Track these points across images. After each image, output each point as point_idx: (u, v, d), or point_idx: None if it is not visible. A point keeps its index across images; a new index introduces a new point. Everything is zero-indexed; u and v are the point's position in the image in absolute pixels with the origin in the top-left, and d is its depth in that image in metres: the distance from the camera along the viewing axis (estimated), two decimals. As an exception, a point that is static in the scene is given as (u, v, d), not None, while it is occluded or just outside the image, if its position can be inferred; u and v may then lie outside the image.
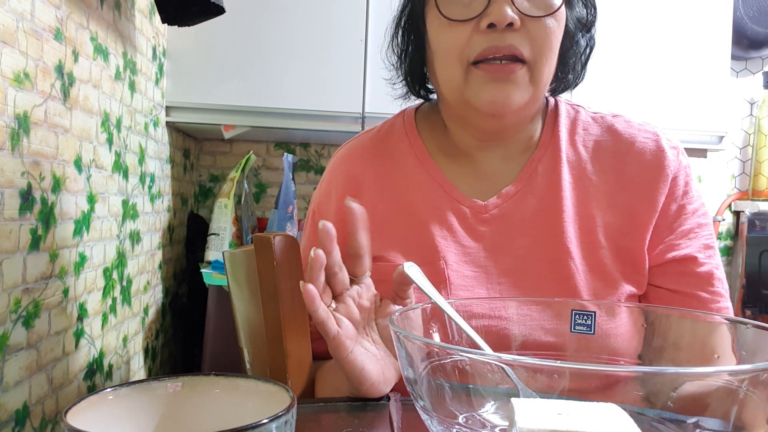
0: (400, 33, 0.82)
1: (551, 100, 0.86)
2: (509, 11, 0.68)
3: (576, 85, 0.84)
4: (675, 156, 0.80)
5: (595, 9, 0.79)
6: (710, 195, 2.50)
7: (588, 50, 0.81)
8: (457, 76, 0.73)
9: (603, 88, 1.83)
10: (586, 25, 0.79)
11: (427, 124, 0.86)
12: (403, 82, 0.85)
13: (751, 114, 2.52)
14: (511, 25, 0.69)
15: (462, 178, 0.82)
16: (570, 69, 0.80)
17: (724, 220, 2.50)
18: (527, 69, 0.71)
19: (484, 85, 0.72)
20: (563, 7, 0.72)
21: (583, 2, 0.78)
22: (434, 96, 0.87)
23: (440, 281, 0.76)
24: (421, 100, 0.89)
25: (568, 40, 0.77)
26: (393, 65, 0.85)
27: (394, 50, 0.84)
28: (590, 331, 0.63)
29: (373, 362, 0.63)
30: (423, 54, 0.79)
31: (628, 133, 0.81)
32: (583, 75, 0.83)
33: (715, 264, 0.78)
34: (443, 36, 0.73)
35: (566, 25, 0.75)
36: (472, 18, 0.70)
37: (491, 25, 0.69)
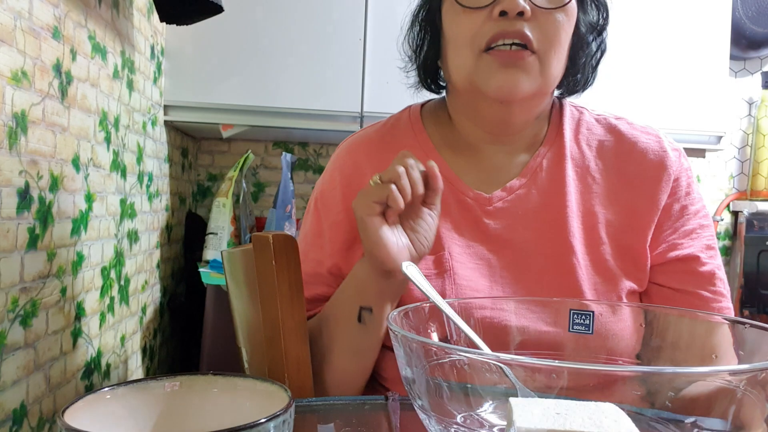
0: (417, 25, 0.84)
1: (556, 101, 0.87)
2: (521, 1, 0.71)
3: (586, 88, 0.85)
4: (677, 158, 0.81)
5: (607, 14, 0.81)
6: (709, 195, 2.50)
7: (599, 54, 0.83)
8: (468, 62, 0.75)
9: (602, 88, 1.82)
10: (598, 29, 0.81)
11: (433, 119, 0.87)
12: (416, 75, 0.87)
13: (749, 114, 2.53)
14: (522, 14, 0.71)
15: (467, 170, 0.83)
16: (579, 70, 0.82)
17: (722, 220, 2.50)
18: (536, 57, 0.73)
19: (494, 71, 0.73)
20: (574, 3, 0.74)
21: (596, 6, 0.80)
22: (443, 92, 0.89)
23: (443, 272, 0.77)
24: (425, 99, 0.91)
25: (579, 42, 0.78)
26: (408, 57, 0.87)
27: (410, 43, 0.86)
28: (588, 330, 0.63)
29: (389, 230, 0.69)
30: (438, 46, 0.81)
31: (630, 134, 0.83)
32: (594, 78, 0.85)
33: (716, 264, 0.79)
34: (457, 23, 0.75)
35: (578, 28, 0.77)
36: (486, 6, 0.73)
37: (503, 13, 0.71)
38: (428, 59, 0.84)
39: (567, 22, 0.74)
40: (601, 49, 0.83)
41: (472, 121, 0.82)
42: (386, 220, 0.69)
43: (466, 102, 0.81)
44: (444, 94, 0.89)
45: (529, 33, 0.72)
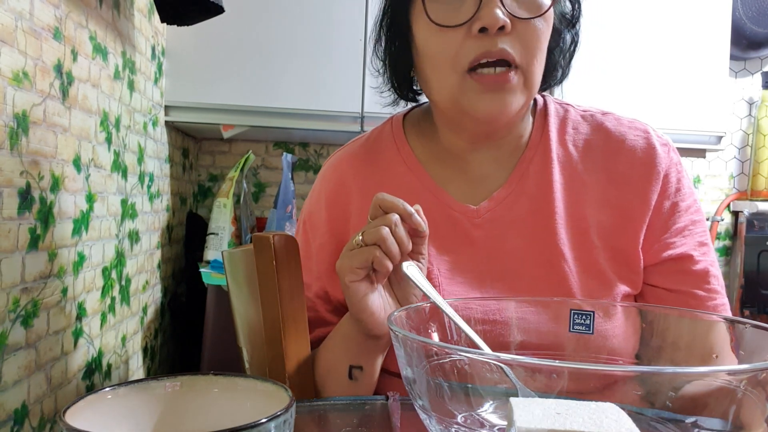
0: (383, 37, 0.80)
1: (539, 98, 0.85)
2: (500, 14, 0.68)
3: (561, 82, 0.83)
4: (666, 153, 0.79)
5: (579, 5, 0.78)
6: (709, 195, 2.50)
7: (573, 46, 0.80)
8: (451, 83, 0.72)
9: (601, 88, 1.83)
10: (571, 21, 0.78)
11: (416, 129, 0.85)
12: (390, 87, 0.84)
13: (749, 114, 2.53)
14: (502, 28, 0.68)
15: (452, 182, 0.81)
16: (556, 66, 0.80)
17: (722, 220, 2.50)
18: (520, 73, 0.71)
19: (479, 96, 0.71)
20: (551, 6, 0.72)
21: None
22: (421, 98, 0.86)
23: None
24: (410, 105, 0.88)
25: (554, 37, 0.76)
26: (378, 71, 0.83)
27: (377, 55, 0.82)
28: (589, 330, 0.63)
29: (376, 296, 0.66)
30: (409, 58, 0.78)
31: (618, 131, 0.80)
32: (568, 71, 0.82)
33: (710, 261, 0.78)
34: (434, 42, 0.72)
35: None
36: (463, 23, 0.69)
37: (483, 29, 0.69)
38: (400, 71, 0.81)
39: (546, 27, 0.72)
40: (575, 42, 0.80)
41: (455, 133, 0.80)
42: (373, 281, 0.66)
43: (449, 116, 0.78)
44: (424, 100, 0.86)
45: (511, 50, 0.69)
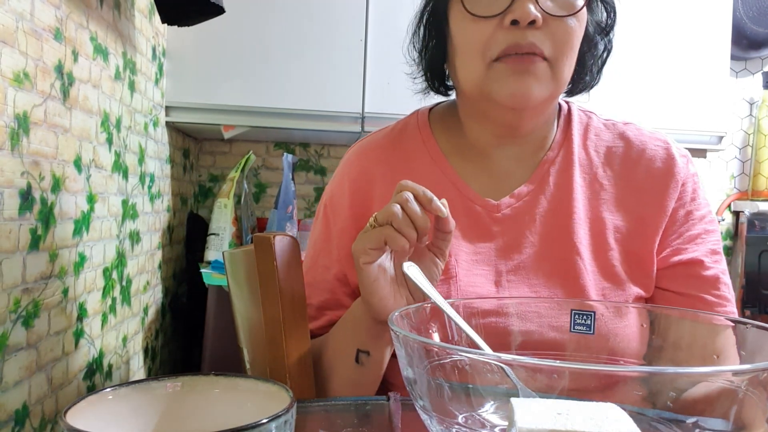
0: (422, 28, 0.83)
1: (564, 105, 0.87)
2: (532, 9, 0.70)
3: (591, 88, 0.85)
4: (684, 164, 0.81)
5: (615, 13, 0.80)
6: (710, 195, 2.50)
7: (606, 54, 0.83)
8: (478, 71, 0.74)
9: (602, 88, 1.82)
10: (605, 29, 0.80)
11: (441, 123, 0.87)
12: (423, 77, 0.86)
13: (750, 114, 2.52)
14: (533, 22, 0.70)
15: (475, 177, 0.83)
16: (587, 71, 0.82)
17: (723, 220, 2.50)
18: (548, 65, 0.72)
19: (505, 78, 0.72)
20: (585, 8, 0.73)
21: (603, 6, 0.79)
22: (452, 93, 0.88)
23: (449, 278, 0.77)
24: (434, 102, 0.90)
25: (587, 42, 0.78)
26: (414, 60, 0.86)
27: (414, 46, 0.85)
28: (590, 330, 0.63)
29: (388, 281, 0.66)
30: (444, 50, 0.80)
31: (639, 141, 0.83)
32: (599, 78, 0.84)
33: (721, 269, 0.79)
34: (466, 31, 0.74)
35: (586, 28, 0.76)
36: (496, 15, 0.71)
37: (514, 22, 0.70)
38: (434, 63, 0.83)
39: (579, 27, 0.73)
40: (608, 49, 0.82)
41: (481, 125, 0.82)
42: (386, 268, 0.66)
43: (475, 106, 0.80)
44: (453, 96, 0.88)
45: (540, 44, 0.71)
